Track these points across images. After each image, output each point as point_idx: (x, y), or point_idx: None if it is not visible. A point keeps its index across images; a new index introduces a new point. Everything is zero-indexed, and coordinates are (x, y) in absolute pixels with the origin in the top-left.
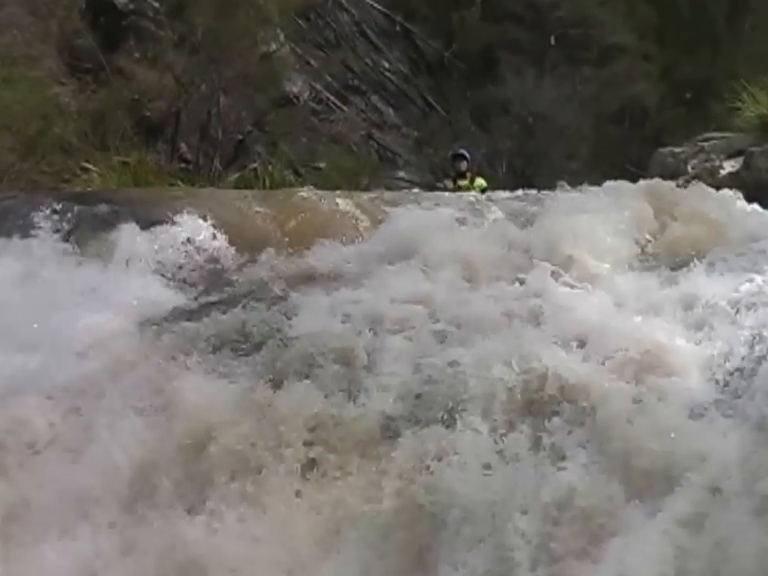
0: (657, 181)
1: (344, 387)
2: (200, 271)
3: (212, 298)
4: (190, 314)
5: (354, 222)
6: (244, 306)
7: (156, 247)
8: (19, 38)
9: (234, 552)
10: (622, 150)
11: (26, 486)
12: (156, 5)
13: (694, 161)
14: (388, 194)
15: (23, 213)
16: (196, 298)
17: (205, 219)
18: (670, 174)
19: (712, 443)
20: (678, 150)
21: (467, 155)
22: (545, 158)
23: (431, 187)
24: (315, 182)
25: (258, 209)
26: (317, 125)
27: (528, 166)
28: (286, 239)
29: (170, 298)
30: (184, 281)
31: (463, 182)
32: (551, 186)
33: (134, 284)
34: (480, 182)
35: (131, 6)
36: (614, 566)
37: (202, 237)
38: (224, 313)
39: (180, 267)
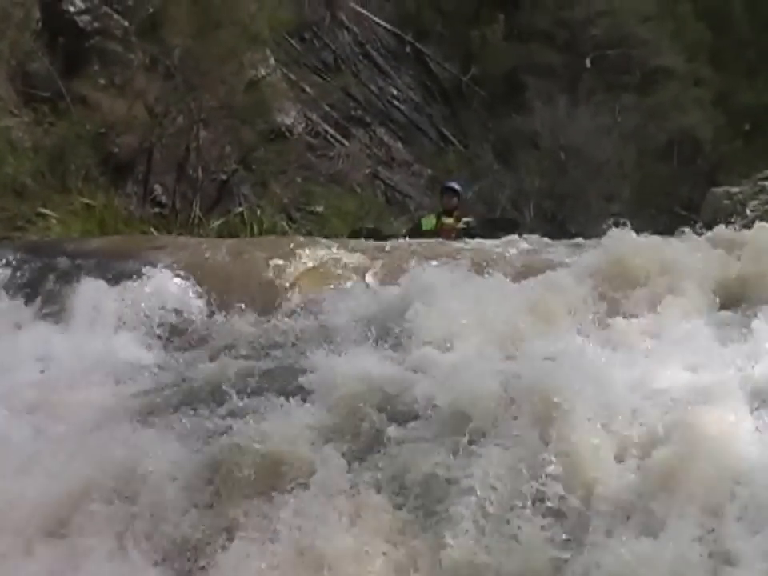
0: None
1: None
2: (175, 333)
3: (188, 365)
4: (160, 384)
5: (354, 276)
6: (223, 377)
7: (125, 306)
8: None
9: None
10: (669, 190)
11: None
12: (124, 23)
13: (754, 202)
14: (397, 243)
15: None
16: (170, 365)
17: (182, 273)
18: (726, 218)
19: None
20: (734, 189)
21: (459, 190)
22: (580, 200)
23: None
24: (312, 228)
25: (244, 261)
26: (313, 162)
27: (560, 209)
28: (277, 296)
29: (139, 364)
30: (157, 345)
31: (448, 220)
32: (587, 233)
33: (97, 347)
34: (465, 219)
35: (95, 25)
36: None
37: (178, 293)
38: (199, 381)
39: (152, 329)
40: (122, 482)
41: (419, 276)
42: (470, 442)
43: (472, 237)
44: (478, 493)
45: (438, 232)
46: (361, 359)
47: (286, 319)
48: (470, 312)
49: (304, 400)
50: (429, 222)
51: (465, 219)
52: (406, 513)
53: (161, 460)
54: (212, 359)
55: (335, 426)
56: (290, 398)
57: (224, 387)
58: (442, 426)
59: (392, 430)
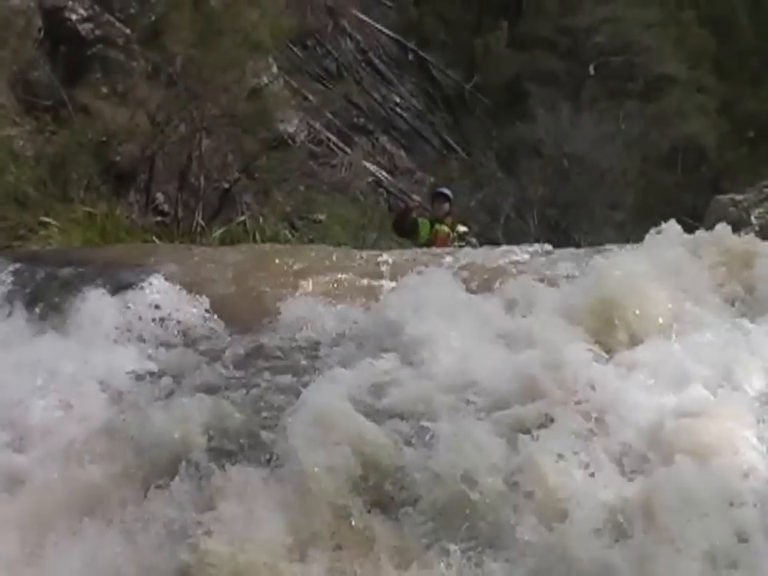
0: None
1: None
2: (179, 346)
3: (193, 380)
4: (164, 400)
5: (359, 288)
6: (227, 391)
7: (126, 316)
8: None
9: None
10: (673, 198)
11: None
12: (126, 31)
13: (759, 210)
14: (400, 253)
15: None
16: (174, 379)
17: (185, 283)
18: (731, 226)
19: None
20: (739, 197)
21: (450, 196)
22: (583, 208)
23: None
24: (314, 236)
25: (247, 269)
26: (316, 170)
27: (563, 218)
28: (280, 306)
29: (141, 377)
30: (159, 357)
31: (442, 227)
32: (591, 241)
33: (98, 360)
34: (461, 228)
35: (97, 33)
36: None
37: (181, 304)
38: (204, 398)
39: (155, 340)
40: None
41: (412, 307)
42: (470, 549)
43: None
44: None
45: (433, 240)
46: (349, 413)
47: (279, 342)
48: (462, 369)
49: (281, 477)
50: (425, 228)
51: (461, 229)
52: None
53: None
54: (194, 399)
55: (316, 521)
56: (269, 472)
57: (198, 450)
58: (438, 520)
59: (379, 529)
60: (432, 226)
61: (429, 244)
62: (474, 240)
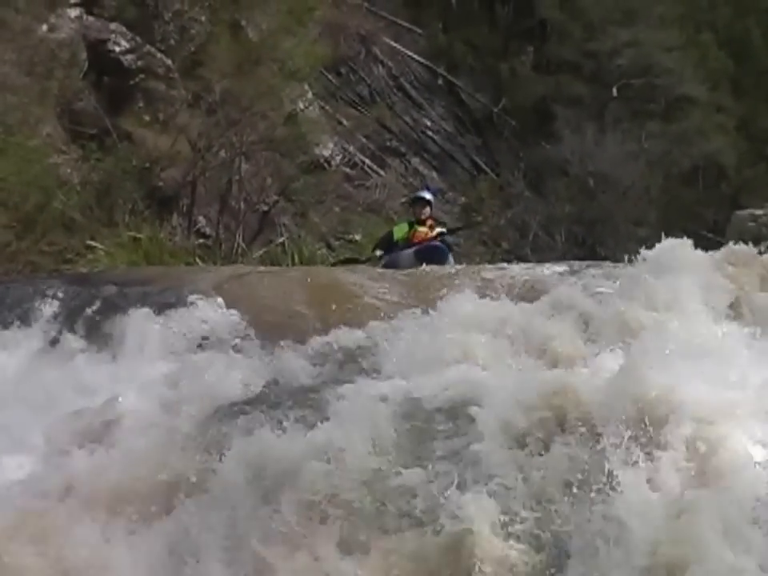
0: None
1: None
2: (223, 363)
3: (238, 397)
4: (210, 416)
5: (398, 306)
6: (271, 407)
7: (171, 335)
8: (13, 101)
9: None
10: (695, 214)
11: None
12: (167, 61)
13: None
14: (436, 270)
15: (21, 298)
16: (216, 397)
17: (227, 302)
18: (751, 240)
19: None
20: (759, 212)
21: (431, 200)
22: (608, 225)
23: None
24: (350, 256)
25: (287, 289)
26: (351, 192)
27: (589, 234)
28: (322, 325)
29: (187, 394)
30: (204, 375)
31: (422, 229)
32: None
33: (145, 378)
34: (439, 229)
35: (139, 64)
36: None
37: (224, 323)
38: (250, 418)
39: (198, 358)
40: None
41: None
42: None
43: (449, 247)
44: None
45: (411, 241)
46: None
47: (347, 354)
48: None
49: None
50: (401, 231)
51: (438, 230)
52: None
53: None
54: (265, 401)
55: None
56: None
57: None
58: None
59: None
60: (411, 226)
61: (407, 245)
62: (452, 239)
